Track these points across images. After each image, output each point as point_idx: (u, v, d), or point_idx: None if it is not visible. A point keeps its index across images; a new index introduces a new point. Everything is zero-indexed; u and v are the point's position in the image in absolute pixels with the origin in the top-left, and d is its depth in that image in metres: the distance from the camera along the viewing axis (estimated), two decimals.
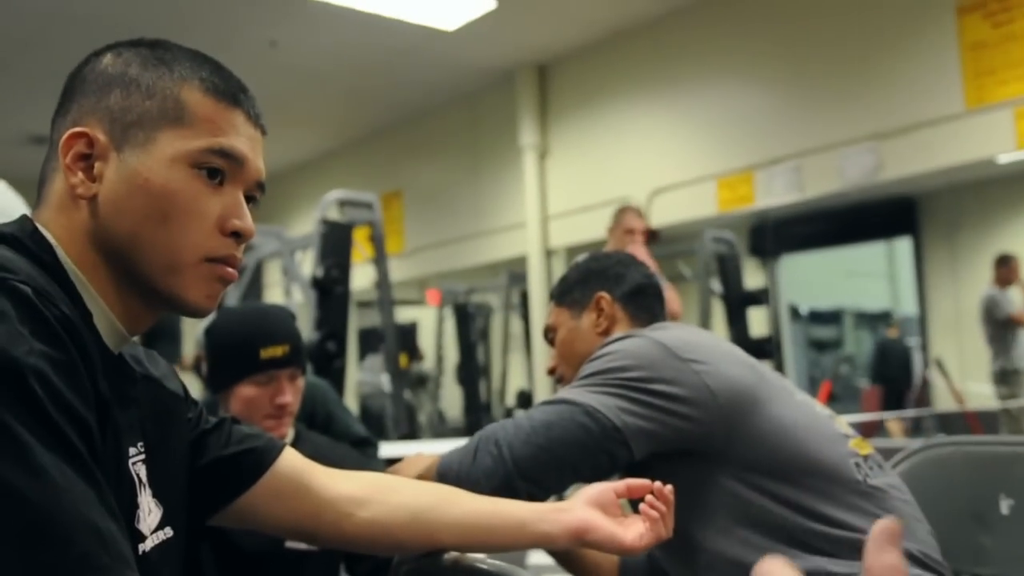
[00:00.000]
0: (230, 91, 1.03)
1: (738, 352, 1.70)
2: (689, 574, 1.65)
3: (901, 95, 5.78)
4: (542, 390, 7.84)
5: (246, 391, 1.92)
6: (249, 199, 1.06)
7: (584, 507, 1.27)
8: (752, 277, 7.71)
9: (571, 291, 1.89)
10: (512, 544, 1.28)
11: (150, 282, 1.00)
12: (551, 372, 1.91)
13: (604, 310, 1.84)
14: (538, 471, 1.53)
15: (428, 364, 10.64)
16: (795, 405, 1.63)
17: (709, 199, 6.82)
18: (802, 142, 6.28)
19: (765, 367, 1.71)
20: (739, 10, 6.71)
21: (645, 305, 1.88)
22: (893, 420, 7.42)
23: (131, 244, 0.98)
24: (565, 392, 1.61)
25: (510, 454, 1.53)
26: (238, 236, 1.03)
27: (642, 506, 1.28)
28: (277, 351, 1.93)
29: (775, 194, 6.44)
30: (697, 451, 1.57)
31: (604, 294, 1.85)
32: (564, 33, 7.50)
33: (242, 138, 1.03)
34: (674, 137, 7.14)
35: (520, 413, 1.66)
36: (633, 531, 1.26)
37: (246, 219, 1.04)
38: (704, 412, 1.55)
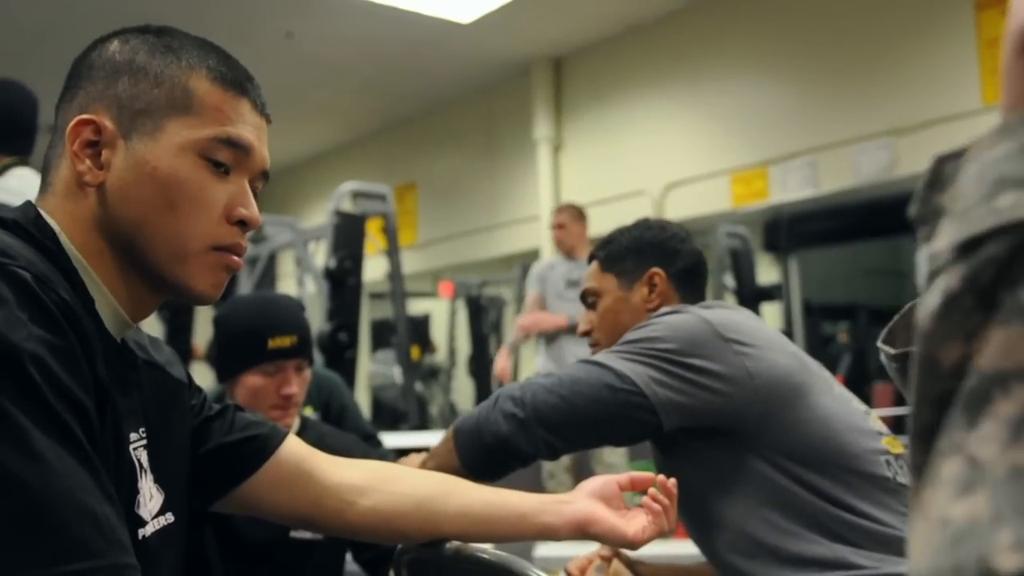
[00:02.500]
0: (237, 80, 1.04)
1: (784, 340, 1.69)
2: (711, 548, 1.66)
3: (918, 91, 5.74)
4: None
5: (253, 380, 1.92)
6: (253, 187, 1.06)
7: (586, 499, 1.28)
8: (766, 273, 7.69)
9: (622, 259, 1.84)
10: (514, 535, 1.29)
11: (156, 270, 1.00)
12: (586, 334, 1.88)
13: (657, 286, 1.81)
14: (557, 419, 1.54)
15: (440, 356, 10.65)
16: (835, 397, 1.64)
17: (723, 194, 6.80)
18: (817, 137, 6.25)
19: (808, 357, 1.70)
20: (755, 5, 6.68)
21: (696, 285, 1.86)
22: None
23: (138, 232, 0.99)
24: (599, 356, 1.62)
25: (532, 399, 1.55)
26: (244, 225, 1.04)
27: (645, 499, 1.28)
28: (285, 341, 1.93)
29: (789, 189, 6.41)
30: (729, 429, 1.58)
31: (659, 271, 1.81)
32: (580, 26, 7.48)
33: (248, 127, 1.03)
34: (688, 131, 7.12)
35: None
36: (635, 524, 1.26)
37: (252, 208, 1.04)
38: (739, 391, 1.56)
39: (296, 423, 2.05)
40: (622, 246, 1.84)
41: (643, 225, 1.88)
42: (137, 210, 0.98)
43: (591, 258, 1.89)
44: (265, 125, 1.07)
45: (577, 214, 5.32)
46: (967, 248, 0.37)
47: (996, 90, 5.38)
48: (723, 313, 1.68)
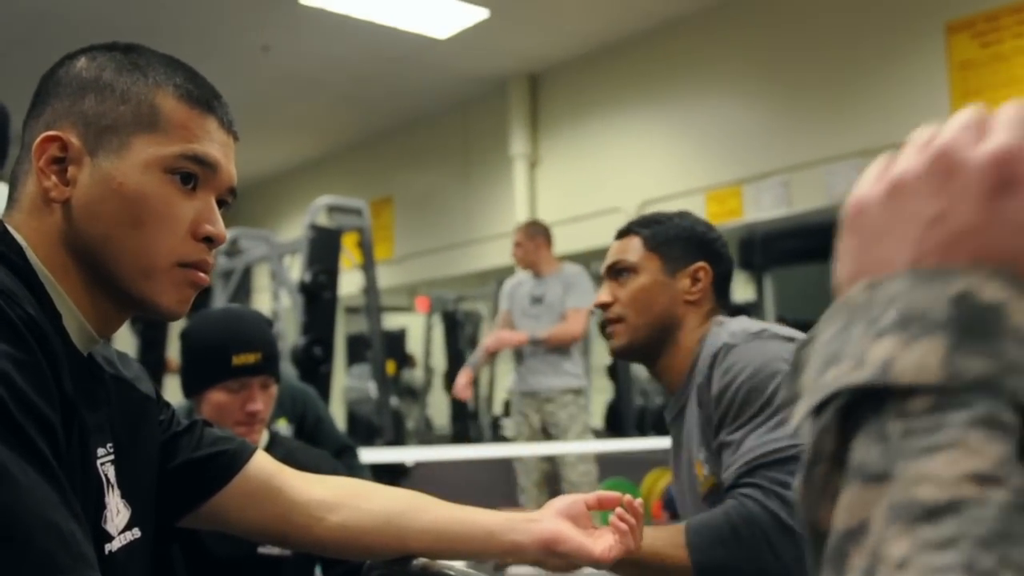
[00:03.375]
0: (204, 98, 1.04)
1: None
2: None
3: (889, 112, 5.80)
4: None
5: (217, 397, 1.90)
6: (220, 204, 1.07)
7: (554, 518, 1.28)
8: (741, 290, 7.72)
9: (671, 244, 1.78)
10: (481, 552, 1.29)
11: (122, 286, 1.00)
12: (603, 306, 1.79)
13: (701, 282, 1.77)
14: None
15: (417, 372, 10.63)
16: None
17: (698, 211, 6.76)
18: (790, 157, 6.30)
19: None
20: (731, 25, 6.74)
21: (727, 293, 1.84)
22: None
23: (104, 248, 0.99)
24: (757, 481, 1.54)
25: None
26: (210, 241, 1.04)
27: (612, 518, 1.29)
28: (249, 358, 1.91)
29: (763, 208, 6.46)
30: None
31: (706, 266, 1.78)
32: (556, 43, 7.52)
33: (215, 144, 1.04)
34: (664, 149, 7.16)
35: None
36: (602, 543, 1.27)
37: (218, 224, 1.04)
38: None
39: (265, 438, 2.03)
40: (672, 231, 1.79)
41: (691, 218, 1.84)
42: (103, 226, 0.98)
43: (626, 232, 1.82)
44: (232, 142, 1.08)
45: (533, 231, 5.27)
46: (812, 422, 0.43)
47: None
48: (785, 330, 1.67)
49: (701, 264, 1.77)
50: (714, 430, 1.63)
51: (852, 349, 0.42)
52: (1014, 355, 0.39)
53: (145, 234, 0.99)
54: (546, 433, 5.14)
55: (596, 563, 1.26)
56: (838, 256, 0.48)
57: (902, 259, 0.44)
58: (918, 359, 0.39)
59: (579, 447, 4.95)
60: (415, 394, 10.33)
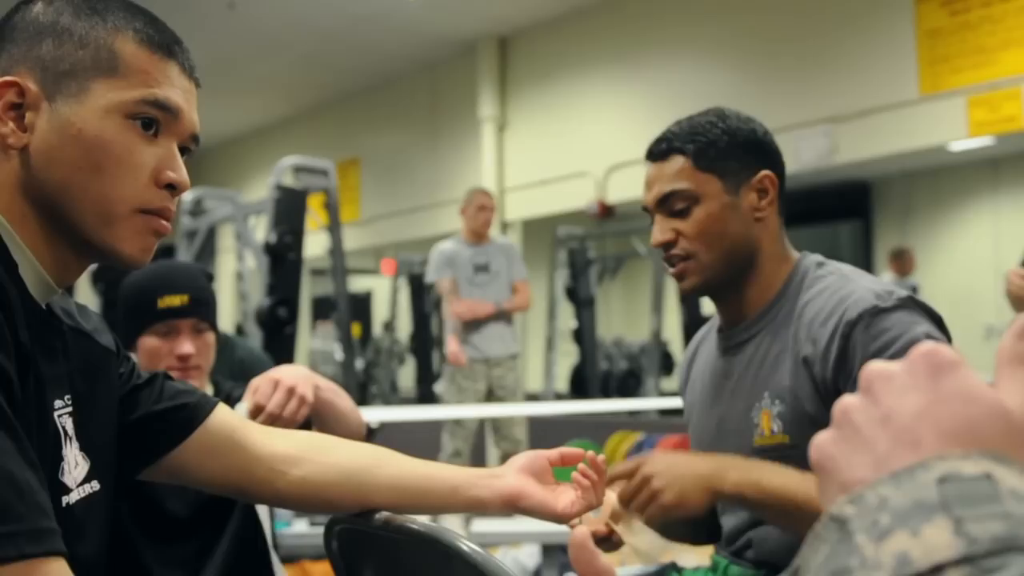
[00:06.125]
0: (164, 43, 1.02)
1: None
2: None
3: (857, 79, 5.83)
4: None
5: (148, 343, 1.89)
6: (183, 151, 1.05)
7: (517, 474, 1.28)
8: None
9: (725, 157, 1.52)
10: (444, 507, 1.29)
11: (83, 234, 0.99)
12: (665, 245, 1.55)
13: (769, 193, 1.53)
14: None
15: (380, 333, 10.60)
16: None
17: None
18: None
19: None
20: None
21: (783, 200, 1.59)
22: None
23: (63, 195, 0.97)
24: None
25: None
26: (172, 188, 1.02)
27: (574, 474, 1.29)
28: (175, 300, 1.89)
29: None
30: None
31: (771, 174, 1.53)
32: (526, 5, 7.47)
33: (176, 90, 1.02)
34: (632, 113, 7.15)
35: None
36: (564, 499, 1.27)
37: (181, 171, 1.03)
38: None
39: (209, 391, 2.00)
40: (721, 142, 1.53)
41: (731, 117, 1.57)
42: (62, 173, 0.97)
43: (666, 152, 1.56)
44: (194, 89, 1.06)
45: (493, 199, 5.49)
46: None
47: (933, 80, 5.49)
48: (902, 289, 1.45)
49: (765, 172, 1.53)
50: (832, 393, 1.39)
51: (858, 559, 0.41)
52: (1020, 512, 0.39)
53: (105, 180, 0.97)
54: (492, 396, 5.28)
55: (559, 519, 1.26)
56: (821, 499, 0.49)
57: (866, 464, 0.46)
58: (931, 542, 0.39)
59: (520, 409, 5.26)
60: (381, 356, 10.31)
